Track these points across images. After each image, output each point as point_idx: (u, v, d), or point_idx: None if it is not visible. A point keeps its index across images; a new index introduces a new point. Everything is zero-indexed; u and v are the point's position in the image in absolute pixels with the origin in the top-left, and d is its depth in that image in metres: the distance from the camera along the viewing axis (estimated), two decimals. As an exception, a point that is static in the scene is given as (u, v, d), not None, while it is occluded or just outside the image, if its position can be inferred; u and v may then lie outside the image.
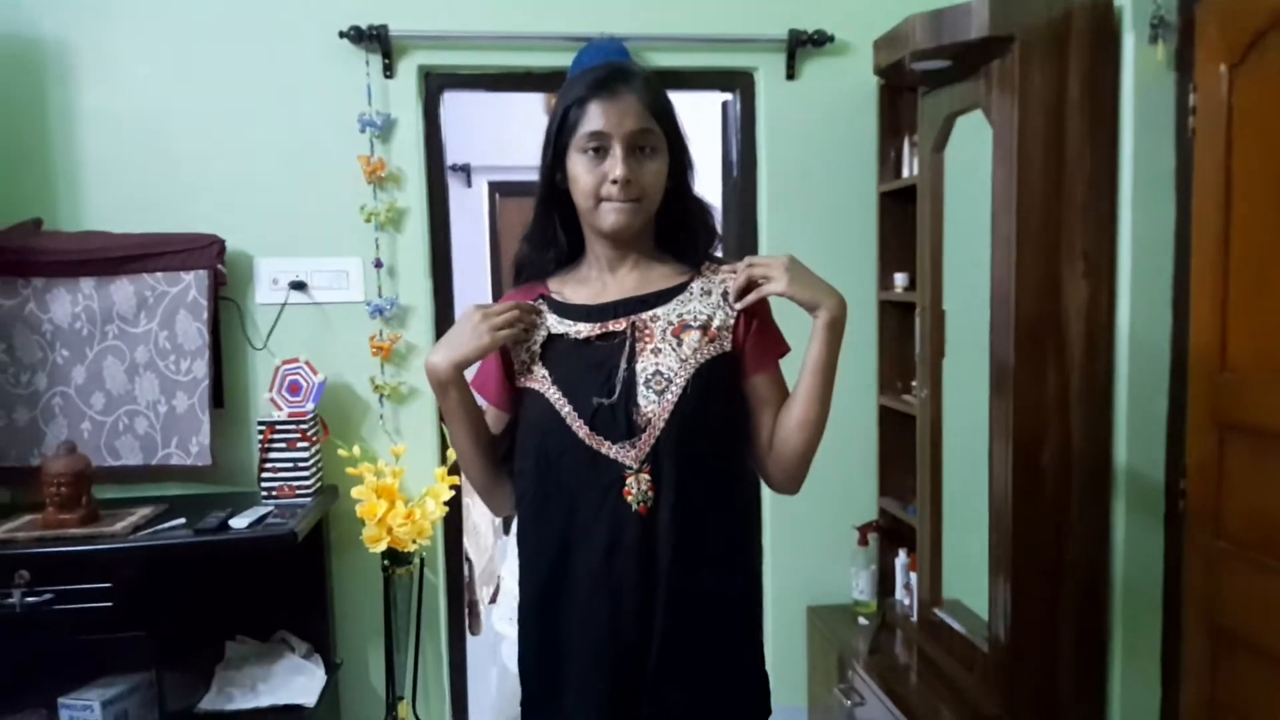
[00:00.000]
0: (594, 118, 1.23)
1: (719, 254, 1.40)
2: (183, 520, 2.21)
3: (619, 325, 1.29)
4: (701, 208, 1.37)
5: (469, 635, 2.86)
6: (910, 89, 2.56)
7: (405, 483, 2.57)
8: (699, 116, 3.46)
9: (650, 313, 1.30)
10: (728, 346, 1.30)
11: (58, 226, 2.50)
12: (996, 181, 2.05)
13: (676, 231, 1.35)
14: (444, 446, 2.67)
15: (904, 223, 2.66)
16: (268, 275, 2.58)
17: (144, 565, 2.11)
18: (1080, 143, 1.99)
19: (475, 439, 1.35)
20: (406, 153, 2.61)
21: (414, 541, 2.48)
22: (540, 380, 1.31)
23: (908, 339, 2.68)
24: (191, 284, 2.44)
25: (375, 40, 2.51)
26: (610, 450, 1.25)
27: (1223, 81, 1.84)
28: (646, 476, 1.24)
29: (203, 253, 2.45)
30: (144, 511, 2.28)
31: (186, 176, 2.54)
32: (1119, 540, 2.04)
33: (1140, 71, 1.96)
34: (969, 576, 2.27)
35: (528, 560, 1.34)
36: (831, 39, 2.67)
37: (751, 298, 1.29)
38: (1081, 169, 2.00)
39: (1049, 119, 1.98)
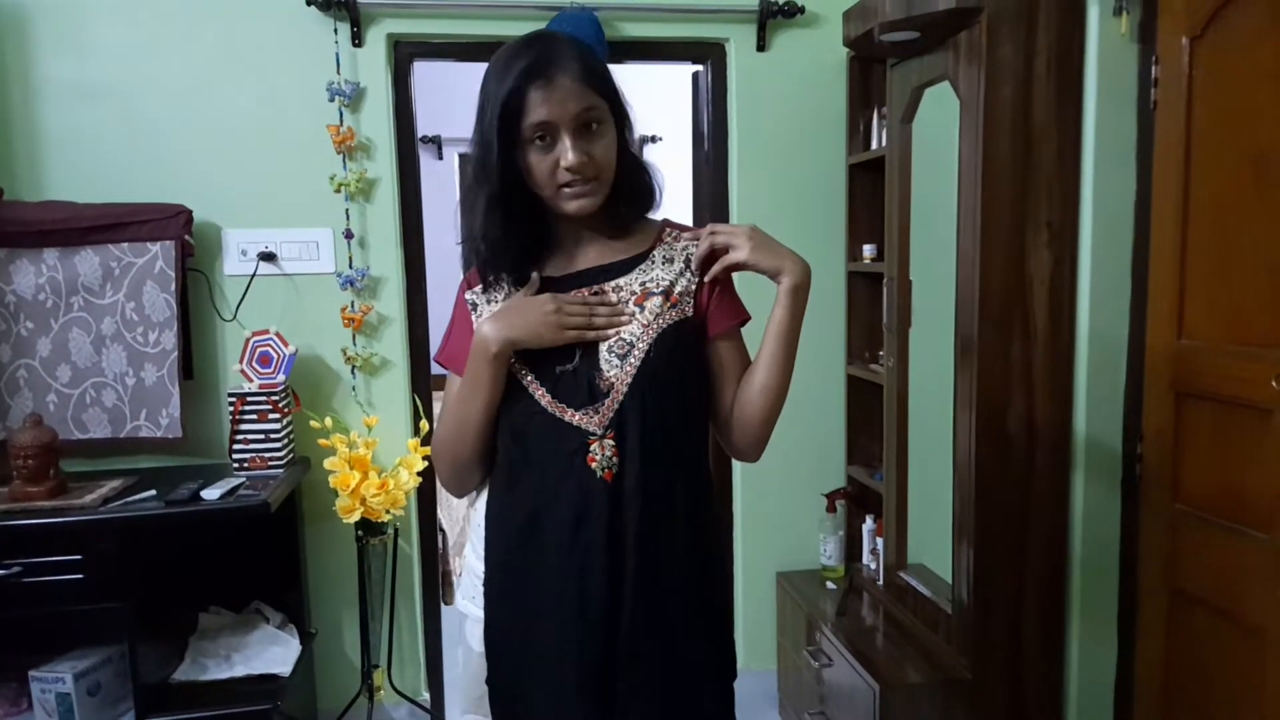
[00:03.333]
0: (535, 108, 1.18)
1: (673, 219, 1.39)
2: (154, 492, 2.21)
3: (580, 294, 1.29)
4: (639, 167, 1.33)
5: (443, 605, 2.89)
6: (879, 61, 2.58)
7: (378, 453, 2.58)
8: (670, 87, 3.47)
9: (613, 282, 1.30)
10: (689, 312, 1.30)
11: (18, 196, 2.46)
12: (963, 152, 2.08)
13: (619, 193, 1.30)
14: (416, 417, 2.67)
15: (873, 194, 2.68)
16: (236, 246, 2.56)
17: (115, 537, 2.10)
18: (1046, 114, 2.02)
19: (488, 418, 1.29)
20: (376, 122, 2.58)
21: (388, 512, 2.49)
22: None
23: (875, 309, 2.71)
24: (159, 255, 2.41)
25: (343, 7, 2.48)
26: (573, 417, 1.25)
27: (1184, 54, 1.88)
28: (610, 442, 1.23)
29: (169, 223, 2.42)
30: (114, 484, 2.27)
31: (152, 146, 2.50)
32: (1078, 505, 2.10)
33: (1104, 43, 1.99)
34: (934, 541, 2.33)
35: (494, 531, 1.33)
36: (802, 10, 2.67)
37: (716, 268, 1.29)
38: (1047, 140, 2.03)
39: (1015, 90, 2.00)
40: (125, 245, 2.41)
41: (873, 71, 2.69)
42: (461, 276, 1.41)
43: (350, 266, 2.59)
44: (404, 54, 2.62)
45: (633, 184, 1.31)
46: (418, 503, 2.75)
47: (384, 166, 2.60)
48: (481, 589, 1.37)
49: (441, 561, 3.00)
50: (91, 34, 2.46)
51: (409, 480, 2.52)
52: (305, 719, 2.55)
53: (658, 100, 3.41)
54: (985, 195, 2.01)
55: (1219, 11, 1.80)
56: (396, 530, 2.67)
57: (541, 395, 1.26)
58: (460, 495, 1.43)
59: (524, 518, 1.27)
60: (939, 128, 2.18)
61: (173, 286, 2.41)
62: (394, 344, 2.67)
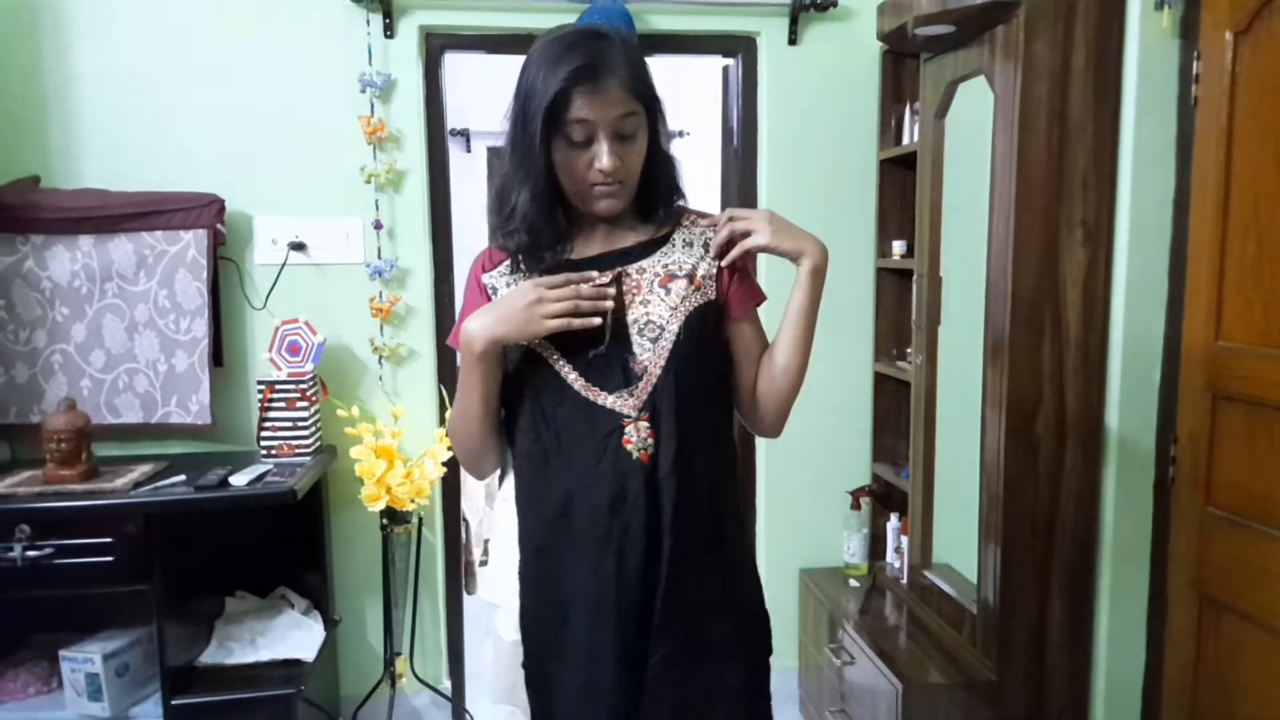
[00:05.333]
0: (578, 107, 1.20)
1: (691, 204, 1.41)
2: (183, 477, 2.23)
3: (604, 278, 1.30)
4: (669, 167, 1.35)
5: (465, 594, 2.90)
6: (913, 55, 2.55)
7: (404, 443, 2.59)
8: (699, 81, 3.45)
9: (636, 264, 1.31)
10: (712, 295, 1.32)
11: (54, 184, 2.49)
12: (997, 149, 2.05)
13: (646, 188, 1.33)
14: (443, 409, 2.69)
15: (903, 190, 2.66)
16: (267, 235, 2.58)
17: (144, 521, 2.13)
18: (1083, 110, 1.99)
19: (487, 409, 1.31)
20: (406, 114, 2.59)
21: (412, 501, 2.51)
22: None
23: (904, 306, 2.69)
24: (191, 243, 2.44)
25: (375, -1, 2.50)
26: (607, 400, 1.26)
27: (1227, 49, 1.84)
28: (645, 424, 1.25)
29: (202, 212, 2.44)
30: (144, 468, 2.30)
31: (185, 136, 2.52)
32: (1108, 506, 2.07)
33: (1145, 38, 1.95)
34: (959, 541, 2.31)
35: (527, 517, 1.34)
36: (835, 4, 2.65)
37: (736, 252, 1.31)
38: (1083, 137, 1.99)
39: (1052, 86, 1.97)
40: (159, 233, 2.44)
41: (905, 66, 2.66)
42: None
43: (379, 257, 2.61)
44: (435, 46, 2.63)
45: (663, 179, 1.33)
46: (442, 492, 2.76)
47: (414, 158, 2.61)
48: (511, 578, 1.37)
49: (465, 551, 3.02)
50: (126, 24, 2.48)
51: (434, 470, 2.54)
52: (328, 704, 2.58)
53: (687, 94, 3.39)
54: (1019, 193, 1.99)
55: (1265, 7, 1.76)
56: (421, 519, 2.68)
57: (574, 379, 1.27)
58: (479, 478, 1.45)
59: (557, 503, 1.28)
60: (973, 123, 2.16)
61: (204, 274, 2.44)
62: (421, 335, 2.68)
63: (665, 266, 1.31)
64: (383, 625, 2.67)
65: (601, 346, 1.27)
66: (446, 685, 2.80)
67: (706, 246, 1.34)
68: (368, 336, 2.64)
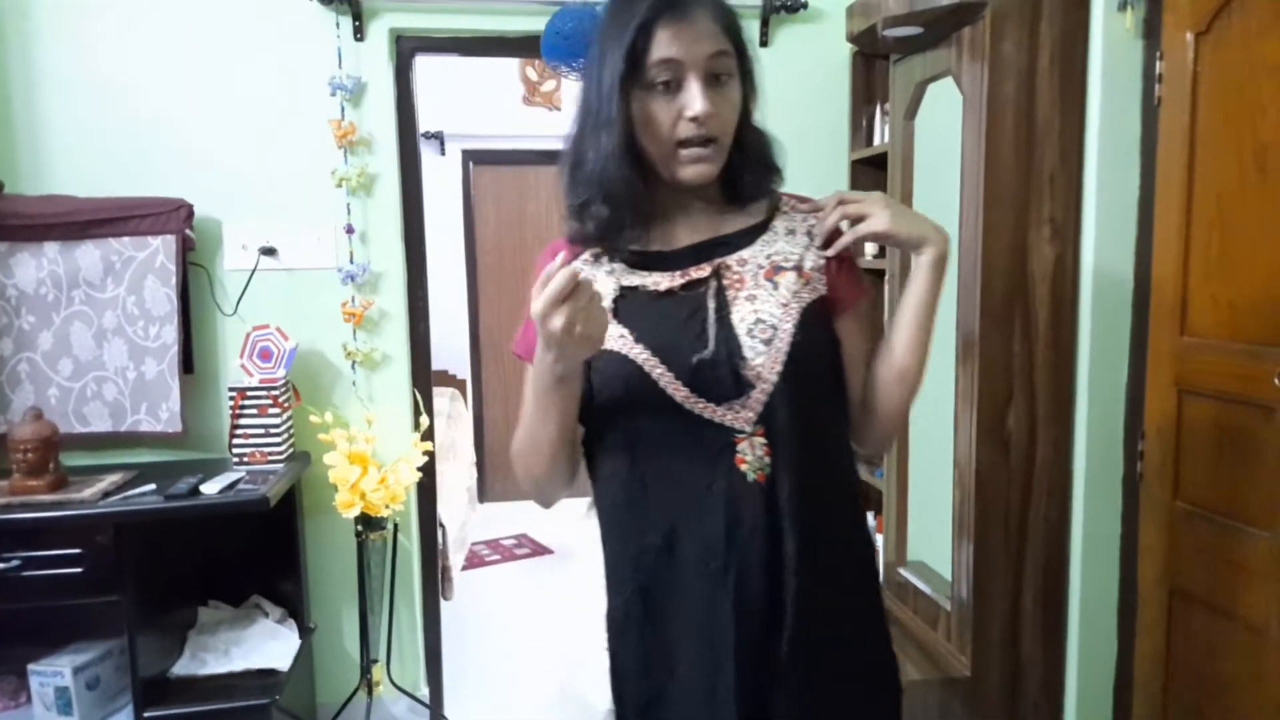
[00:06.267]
0: (664, 44, 1.03)
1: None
2: (153, 486, 2.21)
3: (702, 271, 1.13)
4: (764, 140, 1.20)
5: (442, 600, 2.89)
6: (883, 56, 2.57)
7: (378, 449, 2.58)
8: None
9: (736, 255, 1.14)
10: (822, 289, 1.15)
11: (19, 190, 2.46)
12: (966, 148, 2.07)
13: (739, 161, 1.16)
14: (417, 413, 2.67)
15: (875, 190, 2.67)
16: (237, 241, 2.55)
17: (114, 531, 2.10)
18: (1049, 109, 2.01)
19: (563, 434, 1.13)
20: (378, 117, 2.58)
21: (387, 507, 2.49)
22: (619, 340, 1.11)
23: (877, 306, 2.71)
24: (159, 249, 2.41)
25: (345, 2, 2.48)
26: (716, 413, 1.08)
27: (1189, 49, 1.87)
28: (761, 440, 1.08)
29: (170, 217, 2.42)
30: (114, 478, 2.27)
31: (152, 140, 2.50)
32: (1079, 502, 2.09)
33: (1109, 39, 1.98)
34: (933, 538, 2.32)
35: (622, 551, 1.15)
36: (805, 5, 2.67)
37: (847, 239, 1.16)
38: (1050, 136, 2.02)
39: (1019, 86, 1.99)
40: (126, 239, 2.41)
41: (875, 67, 2.68)
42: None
43: (351, 261, 2.59)
44: (406, 48, 2.62)
45: (756, 154, 1.18)
46: (418, 498, 2.74)
47: (385, 161, 2.60)
48: (590, 627, 1.24)
49: (441, 556, 3.00)
50: (93, 28, 2.46)
51: (409, 476, 2.52)
52: (304, 713, 2.55)
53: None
54: (987, 191, 2.01)
55: (1224, 8, 1.79)
56: (396, 525, 2.66)
57: (676, 390, 1.09)
58: (545, 506, 1.25)
59: (661, 534, 1.11)
60: (942, 124, 2.18)
61: (173, 281, 2.41)
62: (395, 339, 2.66)
63: (769, 257, 1.15)
64: (359, 632, 2.65)
65: (707, 351, 1.09)
66: (424, 692, 2.79)
67: (810, 234, 1.18)
68: (341, 342, 2.62)
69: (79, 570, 2.09)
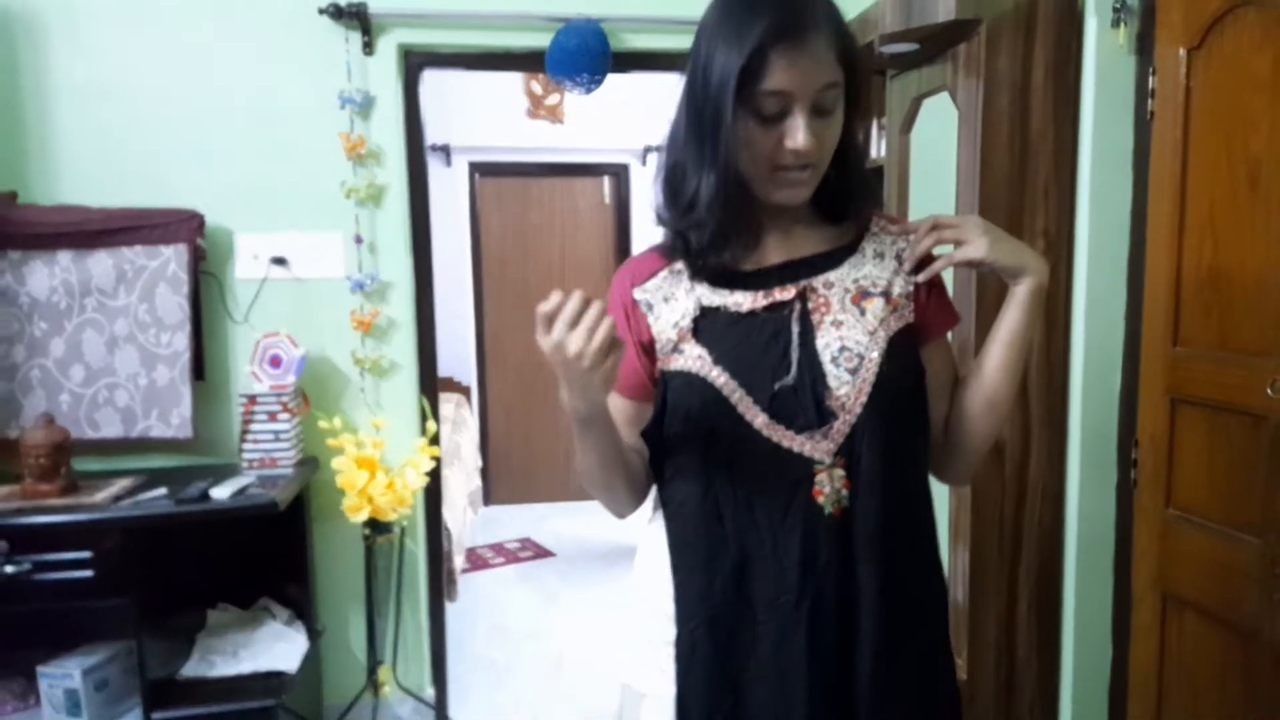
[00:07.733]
0: (777, 74, 0.98)
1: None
2: (164, 491, 2.25)
3: (786, 293, 1.09)
4: (860, 158, 1.16)
5: (448, 603, 2.92)
6: (879, 72, 2.61)
7: (385, 454, 2.62)
8: (673, 98, 3.50)
9: (822, 278, 1.10)
10: (911, 317, 1.11)
11: (32, 200, 2.50)
12: (961, 162, 2.11)
13: (835, 188, 1.12)
14: (424, 419, 2.71)
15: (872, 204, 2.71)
16: (248, 250, 2.60)
17: (125, 535, 2.14)
18: (1043, 124, 2.05)
19: (610, 468, 1.10)
20: (386, 130, 2.63)
21: (394, 511, 2.53)
22: (697, 361, 1.08)
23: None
24: (171, 258, 2.46)
25: (355, 17, 2.53)
26: (795, 442, 1.05)
27: (1181, 65, 1.90)
28: (840, 471, 1.04)
29: (182, 227, 2.46)
30: (124, 482, 2.31)
31: (164, 151, 2.55)
32: (1073, 508, 2.12)
33: (1102, 55, 2.02)
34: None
35: (690, 580, 1.11)
36: (805, 20, 2.70)
37: (941, 265, 1.11)
38: (1044, 150, 2.06)
39: (1013, 101, 2.03)
40: (138, 248, 2.46)
41: (872, 83, 2.72)
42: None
43: (360, 271, 2.64)
44: (414, 63, 2.67)
45: (855, 172, 1.13)
46: (425, 502, 2.78)
47: (394, 173, 2.65)
48: (654, 656, 1.16)
49: (447, 560, 3.04)
50: (105, 40, 2.51)
51: (416, 480, 2.56)
52: (311, 715, 2.59)
53: (660, 111, 3.44)
54: (983, 204, 2.04)
55: (1216, 23, 1.82)
56: (403, 529, 2.70)
57: (755, 416, 1.05)
58: (620, 518, 1.22)
59: (731, 566, 1.07)
60: (937, 138, 2.22)
61: (185, 289, 2.45)
62: (402, 347, 2.71)
63: (856, 281, 1.10)
64: (366, 635, 2.68)
65: (789, 377, 1.06)
66: (430, 694, 2.82)
67: (899, 259, 1.13)
68: (349, 349, 2.66)
69: (89, 573, 2.12)
